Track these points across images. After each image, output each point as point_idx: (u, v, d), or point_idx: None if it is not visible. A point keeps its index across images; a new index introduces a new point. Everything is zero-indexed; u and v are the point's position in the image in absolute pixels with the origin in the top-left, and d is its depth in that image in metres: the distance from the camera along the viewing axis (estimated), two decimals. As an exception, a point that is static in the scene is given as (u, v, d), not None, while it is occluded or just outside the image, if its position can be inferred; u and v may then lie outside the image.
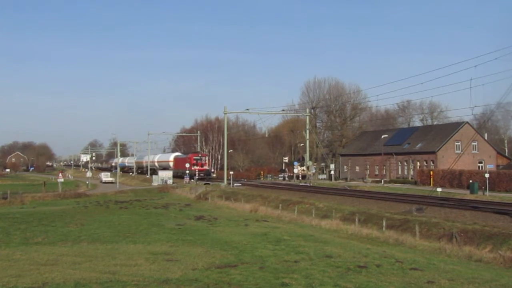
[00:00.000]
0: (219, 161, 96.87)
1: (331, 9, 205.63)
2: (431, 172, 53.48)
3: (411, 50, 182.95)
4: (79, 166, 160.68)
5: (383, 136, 65.56)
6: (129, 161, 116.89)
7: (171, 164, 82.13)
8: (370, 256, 14.48)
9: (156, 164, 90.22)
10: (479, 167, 57.50)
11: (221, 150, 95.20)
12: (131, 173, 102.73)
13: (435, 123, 79.27)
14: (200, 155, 73.66)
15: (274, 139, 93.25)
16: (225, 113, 59.15)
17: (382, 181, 59.60)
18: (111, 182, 77.75)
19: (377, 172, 67.69)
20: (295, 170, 70.14)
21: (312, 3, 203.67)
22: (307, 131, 61.14)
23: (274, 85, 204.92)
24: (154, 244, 16.59)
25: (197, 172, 67.54)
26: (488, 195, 38.18)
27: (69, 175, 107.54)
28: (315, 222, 25.98)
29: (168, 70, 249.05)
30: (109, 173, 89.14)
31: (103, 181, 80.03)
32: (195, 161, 70.03)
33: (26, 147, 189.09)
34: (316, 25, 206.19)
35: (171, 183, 63.93)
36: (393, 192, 41.10)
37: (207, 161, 73.75)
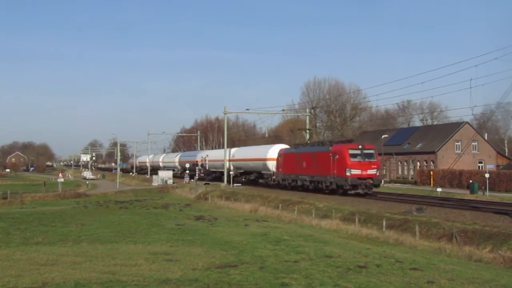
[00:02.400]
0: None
1: (331, 9, 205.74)
2: (431, 172, 53.49)
3: (411, 50, 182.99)
4: (79, 166, 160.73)
5: (383, 136, 65.56)
6: (166, 159, 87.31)
7: (269, 165, 48.22)
8: (370, 256, 14.48)
9: (230, 164, 56.33)
10: (479, 167, 57.50)
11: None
12: (131, 173, 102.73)
13: (435, 123, 79.31)
14: (361, 146, 36.57)
15: (274, 139, 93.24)
16: (225, 113, 59.11)
17: (382, 181, 59.59)
18: (94, 179, 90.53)
19: (377, 172, 67.58)
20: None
21: (312, 3, 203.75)
22: (307, 131, 61.08)
23: (274, 85, 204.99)
24: (154, 244, 16.59)
25: (358, 182, 34.89)
26: (488, 195, 38.18)
27: (69, 175, 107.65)
28: (315, 222, 25.95)
29: (168, 70, 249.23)
30: (90, 172, 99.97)
31: (87, 178, 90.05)
32: (355, 160, 35.10)
33: (26, 147, 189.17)
34: (316, 25, 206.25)
35: (171, 183, 63.92)
36: (393, 192, 41.07)
37: (377, 159, 37.16)
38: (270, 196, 38.71)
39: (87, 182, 76.84)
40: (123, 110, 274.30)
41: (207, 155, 66.90)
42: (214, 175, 64.31)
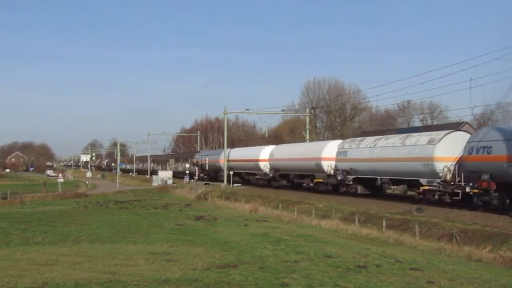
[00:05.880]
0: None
1: (331, 9, 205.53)
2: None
3: (411, 50, 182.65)
4: (79, 166, 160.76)
5: (383, 136, 65.43)
6: (253, 154, 53.03)
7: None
8: (370, 256, 14.48)
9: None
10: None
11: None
12: (131, 173, 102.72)
13: (435, 123, 79.18)
14: None
15: (274, 139, 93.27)
16: (225, 113, 59.08)
17: None
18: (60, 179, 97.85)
19: (377, 172, 67.43)
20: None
21: (312, 3, 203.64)
22: (307, 131, 61.09)
23: (274, 85, 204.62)
24: (154, 244, 16.59)
25: None
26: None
27: (69, 175, 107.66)
28: (315, 222, 25.95)
29: (169, 70, 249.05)
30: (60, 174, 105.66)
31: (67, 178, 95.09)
32: None
33: (26, 147, 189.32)
34: (316, 25, 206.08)
35: (171, 183, 63.88)
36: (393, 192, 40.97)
37: None
38: (270, 196, 38.71)
39: (87, 182, 76.87)
40: (123, 110, 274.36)
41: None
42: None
